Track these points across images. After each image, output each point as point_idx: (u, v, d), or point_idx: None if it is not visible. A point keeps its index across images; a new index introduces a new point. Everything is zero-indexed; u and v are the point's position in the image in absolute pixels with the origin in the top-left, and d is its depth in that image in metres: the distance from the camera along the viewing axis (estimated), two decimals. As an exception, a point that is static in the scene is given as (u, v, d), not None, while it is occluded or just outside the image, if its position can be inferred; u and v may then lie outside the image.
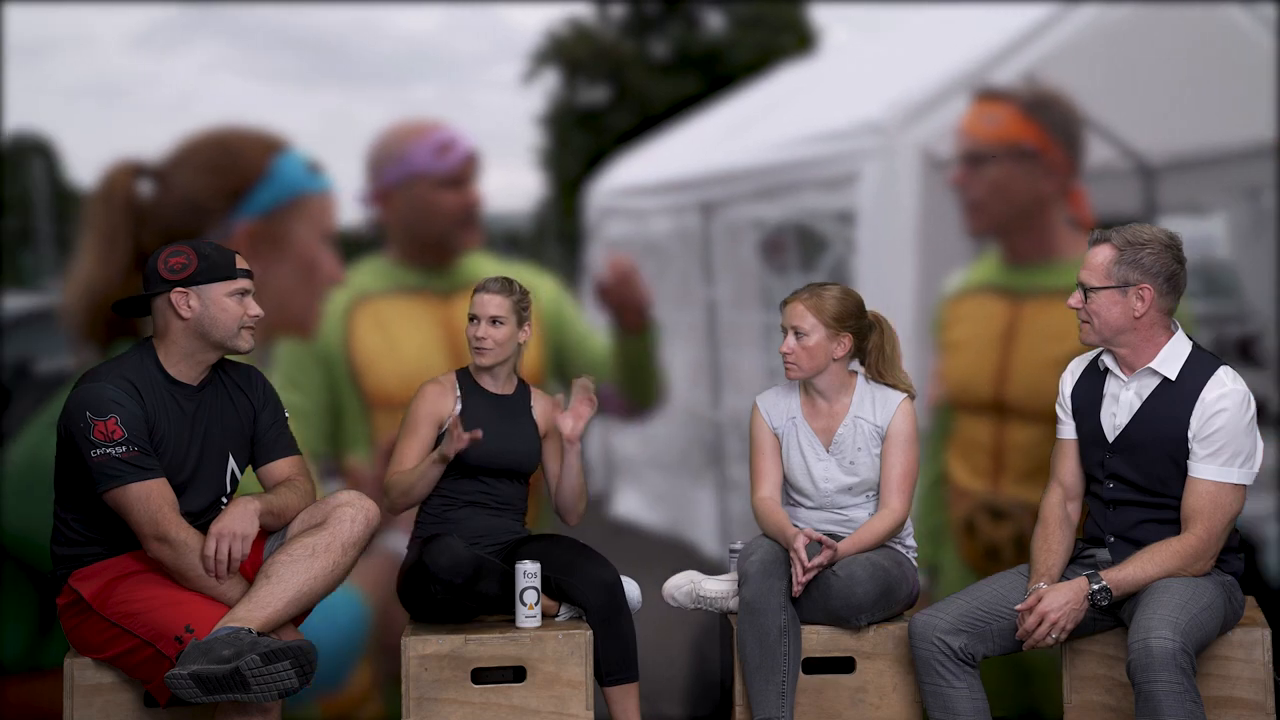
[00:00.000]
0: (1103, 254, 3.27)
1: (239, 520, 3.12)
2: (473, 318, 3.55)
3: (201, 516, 3.20)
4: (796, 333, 3.51)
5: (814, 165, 6.10)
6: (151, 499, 3.07)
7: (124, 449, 3.05)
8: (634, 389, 5.45)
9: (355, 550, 3.18)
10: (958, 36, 6.41)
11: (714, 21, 22.14)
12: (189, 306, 3.19)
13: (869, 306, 3.61)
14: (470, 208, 4.82)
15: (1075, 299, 3.30)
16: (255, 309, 3.25)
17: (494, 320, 3.54)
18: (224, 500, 3.28)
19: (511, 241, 5.60)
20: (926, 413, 5.50)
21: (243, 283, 3.25)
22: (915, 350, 5.52)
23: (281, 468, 3.36)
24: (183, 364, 3.23)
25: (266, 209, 4.54)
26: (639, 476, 7.73)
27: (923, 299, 5.46)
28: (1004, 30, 5.77)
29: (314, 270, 4.65)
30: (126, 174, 4.62)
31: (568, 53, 20.10)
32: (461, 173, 4.84)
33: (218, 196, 4.59)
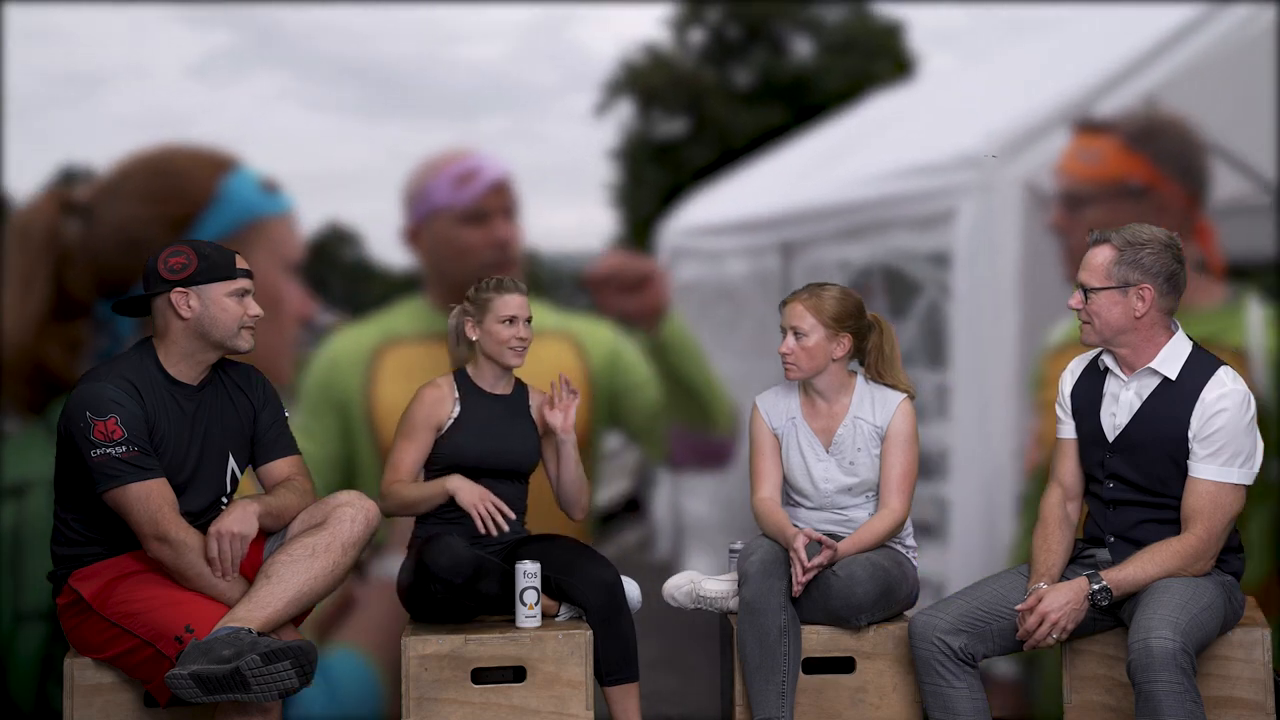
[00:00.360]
0: (1102, 254, 3.29)
1: (238, 520, 3.15)
2: (511, 319, 3.57)
3: (201, 516, 3.22)
4: (796, 333, 3.55)
5: (906, 202, 5.82)
6: (151, 499, 3.10)
7: (124, 449, 3.09)
8: (690, 409, 5.12)
9: (355, 550, 3.21)
10: (1066, 62, 6.03)
11: (802, 48, 21.75)
12: (189, 306, 3.22)
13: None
14: (498, 244, 4.48)
15: (1075, 300, 3.33)
16: (255, 309, 3.27)
17: (528, 320, 3.62)
18: (224, 500, 3.31)
19: (581, 284, 5.29)
20: (1021, 478, 5.09)
21: (243, 282, 3.26)
22: (1015, 408, 5.09)
23: (281, 467, 3.38)
24: (183, 364, 3.26)
25: (217, 238, 4.11)
26: (709, 540, 7.52)
27: (1024, 350, 5.22)
28: (1118, 54, 5.33)
29: (277, 305, 4.26)
30: (49, 208, 4.31)
31: (643, 82, 19.84)
32: (485, 205, 4.51)
33: (157, 227, 4.23)
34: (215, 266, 3.23)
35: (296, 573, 3.10)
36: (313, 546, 3.14)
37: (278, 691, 2.92)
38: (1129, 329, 3.28)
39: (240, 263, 3.28)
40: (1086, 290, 3.30)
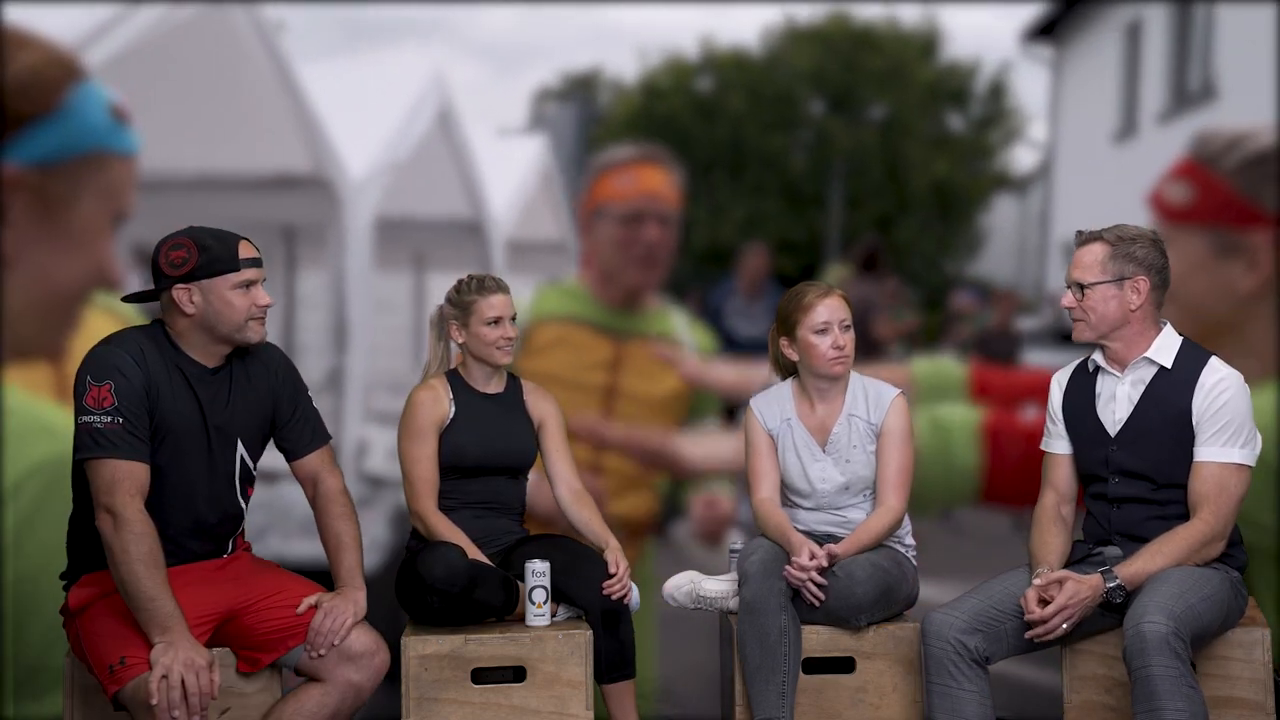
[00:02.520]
0: (1095, 251, 3.46)
1: (348, 602, 3.32)
2: (496, 320, 3.69)
3: (211, 503, 3.31)
4: (849, 326, 3.68)
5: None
6: (116, 475, 3.13)
7: (109, 419, 3.14)
8: None
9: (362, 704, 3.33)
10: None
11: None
12: (192, 302, 3.24)
13: None
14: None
15: (1068, 299, 3.48)
16: (264, 298, 3.29)
17: (513, 318, 3.74)
18: (236, 489, 3.36)
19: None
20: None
21: (248, 273, 3.26)
22: None
23: (312, 462, 3.47)
24: (196, 350, 3.30)
25: (46, 158, 3.80)
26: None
27: None
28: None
29: (95, 263, 3.96)
30: None
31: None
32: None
33: None
34: (216, 259, 3.23)
35: None
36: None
37: None
38: (1124, 323, 3.46)
39: (245, 251, 3.27)
40: (1082, 287, 3.45)
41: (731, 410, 6.51)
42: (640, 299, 4.61)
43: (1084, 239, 3.51)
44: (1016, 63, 31.49)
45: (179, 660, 3.02)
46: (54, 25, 5.64)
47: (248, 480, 3.40)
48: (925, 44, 32.91)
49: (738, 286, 9.06)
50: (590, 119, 35.85)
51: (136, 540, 3.11)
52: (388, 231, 8.73)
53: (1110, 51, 18.86)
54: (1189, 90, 15.91)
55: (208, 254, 3.22)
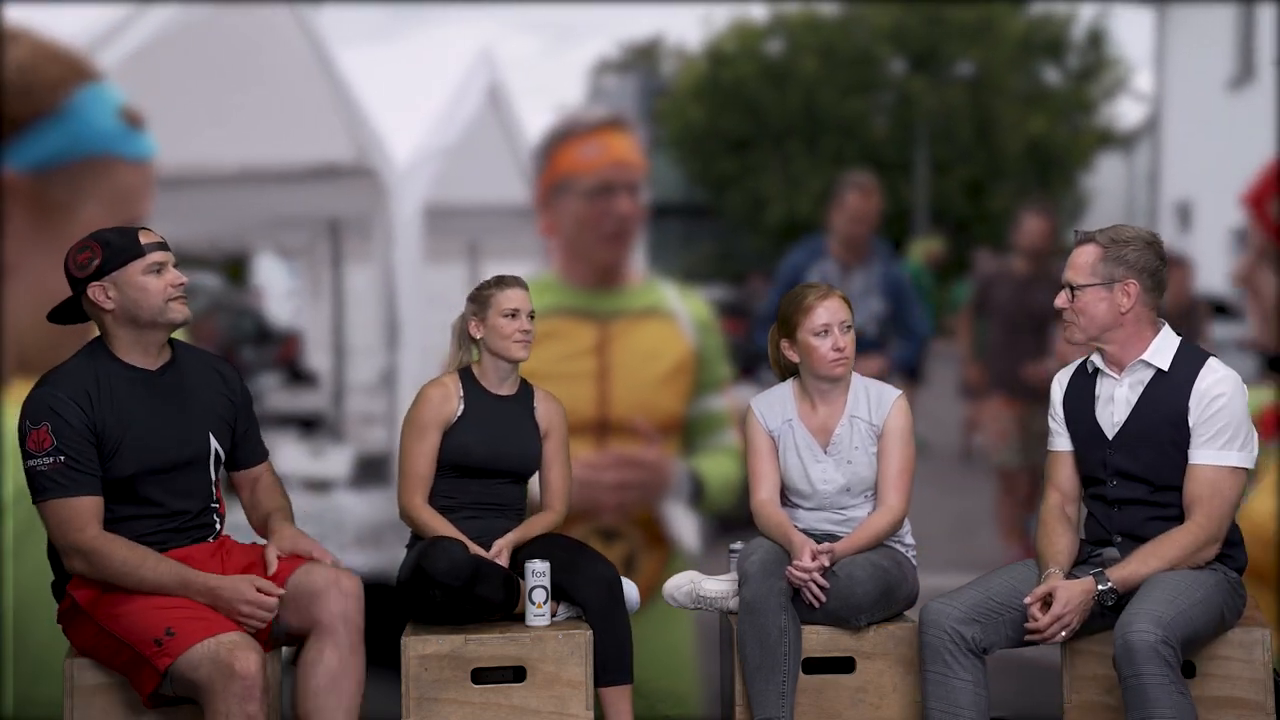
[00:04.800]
0: (1087, 253, 3.67)
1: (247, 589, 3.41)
2: (513, 312, 3.84)
3: (191, 515, 3.55)
4: (849, 327, 3.85)
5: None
6: (63, 513, 3.36)
7: (50, 460, 3.36)
8: None
9: (361, 634, 3.48)
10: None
11: None
12: (109, 298, 3.44)
13: None
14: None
15: (1062, 299, 3.69)
16: (178, 277, 3.47)
17: (531, 315, 3.87)
18: (210, 478, 3.59)
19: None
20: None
21: (155, 256, 3.45)
22: None
23: (255, 472, 3.73)
24: (134, 351, 3.50)
25: (45, 161, 3.88)
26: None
27: None
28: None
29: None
30: None
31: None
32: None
33: None
34: (119, 251, 3.43)
35: (336, 707, 3.43)
36: (334, 676, 3.43)
37: None
38: (1115, 325, 3.66)
39: (146, 236, 3.47)
40: (1073, 288, 3.66)
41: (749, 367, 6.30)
42: (616, 275, 4.56)
43: (1079, 240, 3.72)
44: (1117, 8, 31.02)
45: (241, 601, 3.36)
46: (79, 18, 5.80)
47: (219, 465, 3.63)
48: (1014, -8, 32.53)
49: (919, 261, 8.19)
50: (653, 91, 35.94)
51: (109, 556, 3.37)
52: (438, 221, 8.77)
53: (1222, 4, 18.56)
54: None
55: (110, 248, 3.43)
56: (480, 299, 3.89)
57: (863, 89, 32.35)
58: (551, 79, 57.72)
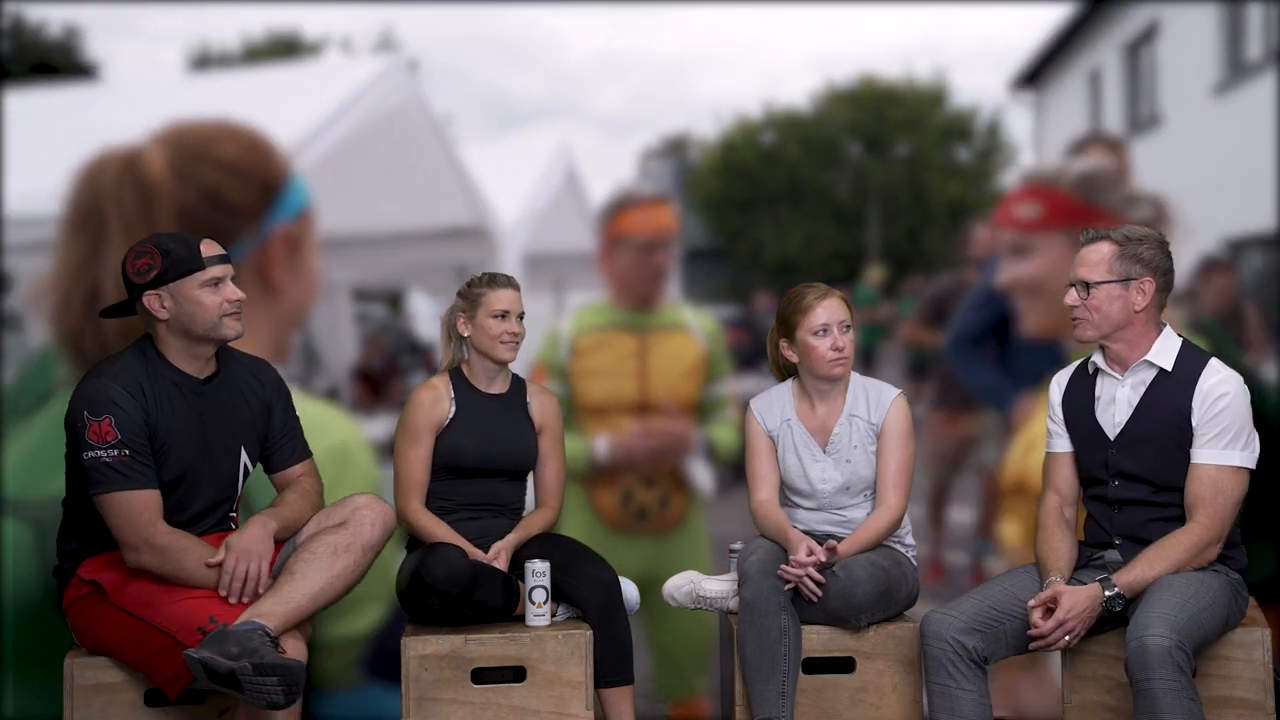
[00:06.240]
0: (1102, 249, 2.79)
1: (257, 540, 2.61)
2: (503, 313, 2.98)
3: (210, 513, 2.73)
4: (848, 327, 3.01)
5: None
6: (132, 506, 2.56)
7: (115, 452, 2.55)
8: None
9: (373, 553, 2.70)
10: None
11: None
12: (164, 307, 2.64)
13: None
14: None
15: (1072, 297, 2.80)
16: (235, 293, 2.67)
17: (521, 316, 3.03)
18: (237, 493, 2.78)
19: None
20: None
21: (214, 270, 2.65)
22: None
23: (294, 472, 2.84)
24: (183, 359, 2.69)
25: (293, 214, 3.73)
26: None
27: None
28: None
29: (315, 285, 3.88)
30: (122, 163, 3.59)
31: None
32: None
33: (247, 193, 3.67)
34: (180, 261, 2.62)
35: (320, 570, 2.60)
36: (335, 545, 2.64)
37: (266, 702, 2.40)
38: (1127, 323, 2.79)
39: (208, 248, 2.66)
40: (1087, 285, 2.79)
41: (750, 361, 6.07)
42: (652, 302, 4.49)
43: (1091, 237, 2.82)
44: (1007, 107, 31.35)
45: (239, 548, 2.60)
46: (289, 125, 5.92)
47: (246, 478, 2.83)
48: (936, 97, 32.71)
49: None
50: (684, 170, 36.01)
51: (185, 554, 2.59)
52: (533, 264, 8.91)
53: (1078, 92, 18.57)
54: (1141, 117, 15.62)
55: (171, 257, 2.62)
56: (471, 296, 3.00)
57: (831, 166, 32.53)
58: (612, 163, 58.05)
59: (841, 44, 56.03)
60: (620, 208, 4.57)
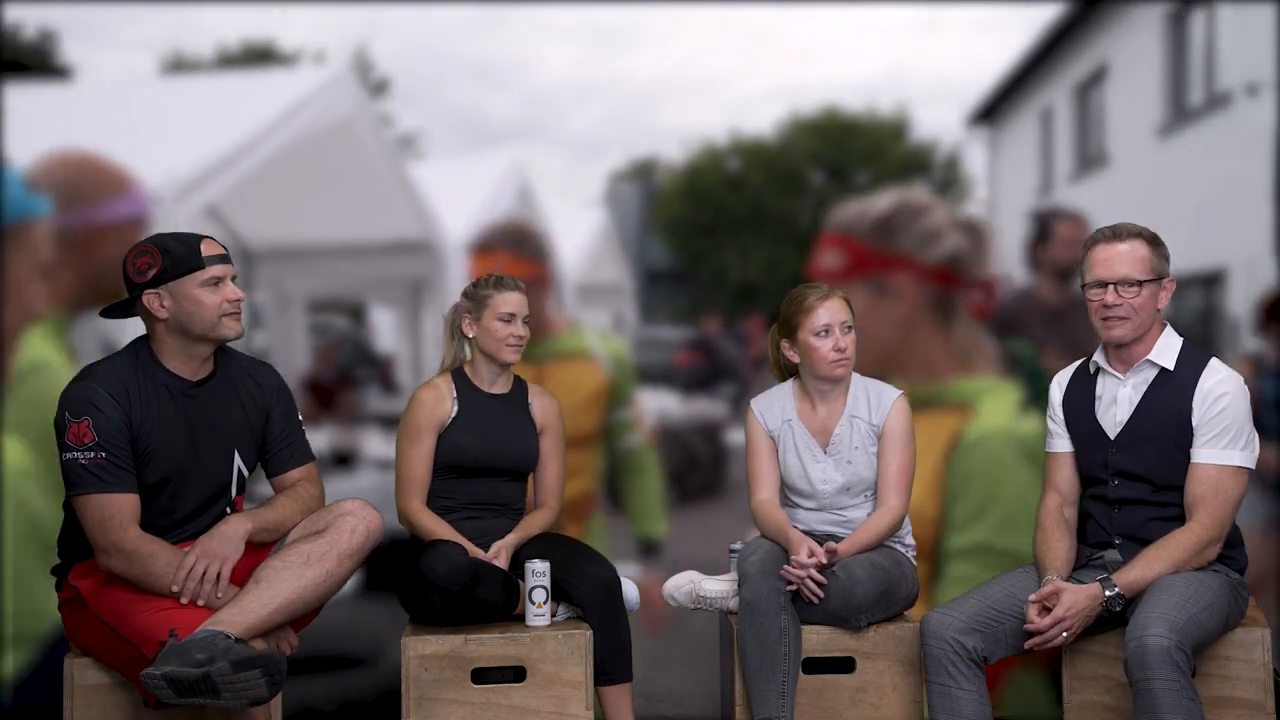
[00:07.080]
0: (1140, 247, 2.74)
1: (223, 543, 2.53)
2: (509, 316, 2.96)
3: (203, 515, 2.64)
4: (850, 327, 2.94)
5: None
6: (106, 509, 2.50)
7: (91, 454, 2.49)
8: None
9: (351, 561, 2.60)
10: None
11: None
12: (163, 306, 2.58)
13: None
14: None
15: (1112, 295, 2.72)
16: (235, 293, 2.60)
17: (526, 320, 3.00)
18: (229, 497, 2.68)
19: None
20: None
21: (214, 270, 2.59)
22: None
23: (293, 477, 2.75)
24: (178, 359, 2.62)
25: None
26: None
27: None
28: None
29: (29, 309, 3.51)
30: None
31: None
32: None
33: None
34: (180, 260, 2.57)
35: (287, 580, 2.50)
36: (308, 554, 2.54)
37: (247, 699, 2.32)
38: (1153, 322, 2.77)
39: (208, 247, 2.61)
40: (1132, 283, 2.72)
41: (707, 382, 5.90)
42: (541, 333, 4.04)
43: (1126, 234, 2.75)
44: (964, 142, 31.70)
45: (201, 549, 2.53)
46: (229, 132, 5.86)
47: (240, 490, 2.73)
48: (897, 129, 32.97)
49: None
50: (650, 193, 36.15)
51: (152, 560, 2.51)
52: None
53: (1031, 130, 18.85)
54: (1089, 156, 15.83)
55: (171, 256, 2.57)
56: (477, 298, 2.98)
57: (793, 193, 32.61)
58: (581, 184, 58.18)
59: (807, 76, 56.51)
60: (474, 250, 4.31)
